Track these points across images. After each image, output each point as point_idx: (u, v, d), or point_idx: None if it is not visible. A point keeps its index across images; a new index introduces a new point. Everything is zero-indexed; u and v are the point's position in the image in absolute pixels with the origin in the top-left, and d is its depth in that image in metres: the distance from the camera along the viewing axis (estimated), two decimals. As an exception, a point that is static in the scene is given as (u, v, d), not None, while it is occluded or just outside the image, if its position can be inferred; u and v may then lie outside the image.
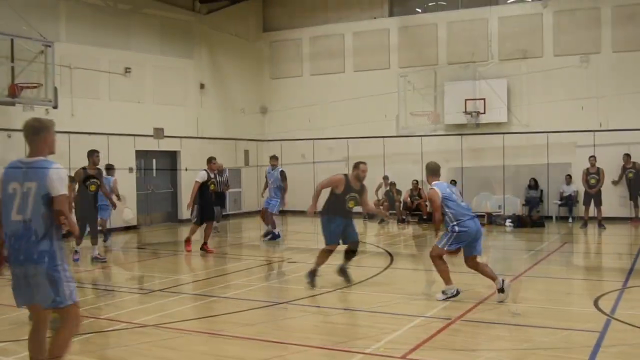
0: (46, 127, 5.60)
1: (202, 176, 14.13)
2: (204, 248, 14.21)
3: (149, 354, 6.91)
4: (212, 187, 14.82)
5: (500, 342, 7.19)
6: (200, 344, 7.24)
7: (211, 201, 14.73)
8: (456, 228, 9.10)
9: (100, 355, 6.83)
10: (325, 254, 10.45)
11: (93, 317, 8.32)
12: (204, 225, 14.32)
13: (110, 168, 16.50)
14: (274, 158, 17.43)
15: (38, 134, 5.50)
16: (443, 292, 9.13)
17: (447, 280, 9.22)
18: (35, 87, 14.69)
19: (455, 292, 9.09)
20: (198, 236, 14.65)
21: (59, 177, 5.28)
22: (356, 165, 10.65)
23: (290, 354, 6.68)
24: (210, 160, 14.81)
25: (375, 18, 24.23)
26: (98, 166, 13.10)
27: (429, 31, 23.20)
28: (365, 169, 10.66)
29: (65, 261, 5.31)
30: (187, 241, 14.37)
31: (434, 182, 9.52)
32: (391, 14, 24.10)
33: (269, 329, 7.79)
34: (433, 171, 9.71)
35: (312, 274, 10.21)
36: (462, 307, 8.61)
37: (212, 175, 14.56)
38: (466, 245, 9.22)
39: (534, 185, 21.08)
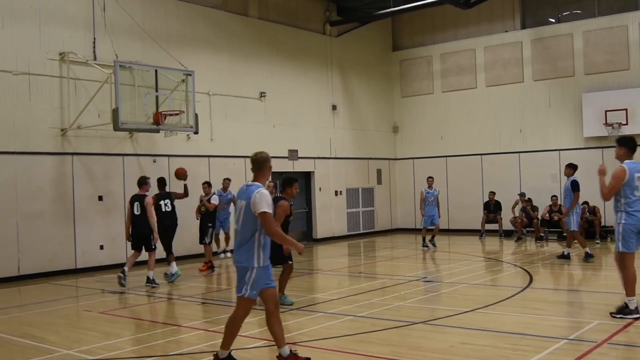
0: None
1: (214, 199, 15.68)
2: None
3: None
4: (202, 208, 15.65)
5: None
6: (338, 363, 7.30)
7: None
8: (622, 219, 8.73)
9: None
10: None
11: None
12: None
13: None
14: (430, 179, 19.59)
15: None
16: (619, 309, 8.70)
17: (630, 292, 8.76)
18: (177, 114, 15.41)
19: (635, 308, 8.60)
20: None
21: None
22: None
23: (428, 375, 6.60)
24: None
25: (507, 31, 23.71)
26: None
27: (564, 42, 22.40)
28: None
29: None
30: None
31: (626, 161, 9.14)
32: (523, 27, 23.49)
33: (404, 349, 7.73)
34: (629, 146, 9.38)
35: None
36: (611, 329, 8.19)
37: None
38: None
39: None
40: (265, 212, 6.48)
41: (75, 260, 15.94)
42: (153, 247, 13.32)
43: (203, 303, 11.60)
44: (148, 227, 13.14)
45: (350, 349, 7.71)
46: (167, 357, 7.61)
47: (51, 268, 15.43)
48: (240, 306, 6.74)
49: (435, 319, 9.31)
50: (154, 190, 14.03)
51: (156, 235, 13.32)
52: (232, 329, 6.80)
